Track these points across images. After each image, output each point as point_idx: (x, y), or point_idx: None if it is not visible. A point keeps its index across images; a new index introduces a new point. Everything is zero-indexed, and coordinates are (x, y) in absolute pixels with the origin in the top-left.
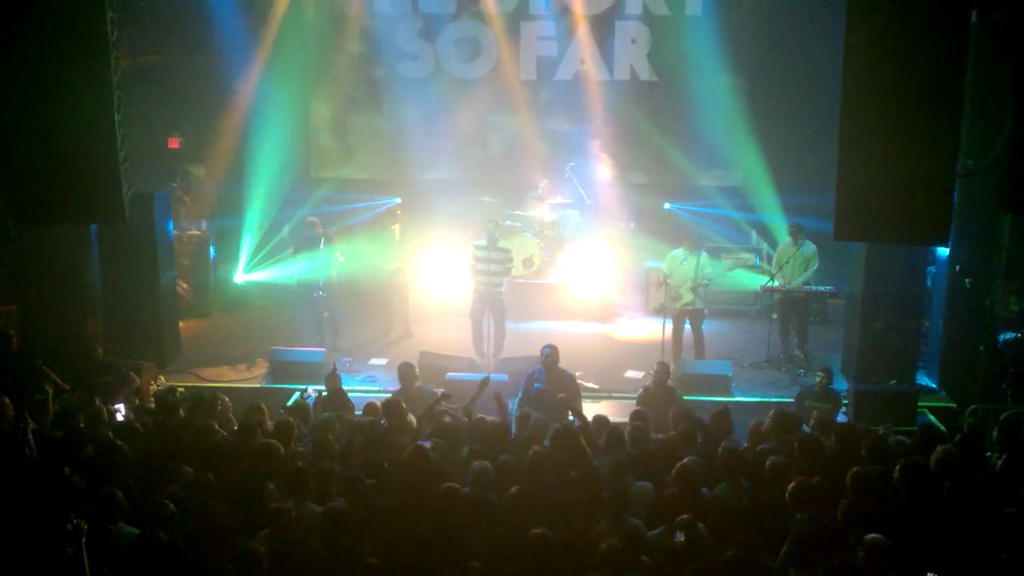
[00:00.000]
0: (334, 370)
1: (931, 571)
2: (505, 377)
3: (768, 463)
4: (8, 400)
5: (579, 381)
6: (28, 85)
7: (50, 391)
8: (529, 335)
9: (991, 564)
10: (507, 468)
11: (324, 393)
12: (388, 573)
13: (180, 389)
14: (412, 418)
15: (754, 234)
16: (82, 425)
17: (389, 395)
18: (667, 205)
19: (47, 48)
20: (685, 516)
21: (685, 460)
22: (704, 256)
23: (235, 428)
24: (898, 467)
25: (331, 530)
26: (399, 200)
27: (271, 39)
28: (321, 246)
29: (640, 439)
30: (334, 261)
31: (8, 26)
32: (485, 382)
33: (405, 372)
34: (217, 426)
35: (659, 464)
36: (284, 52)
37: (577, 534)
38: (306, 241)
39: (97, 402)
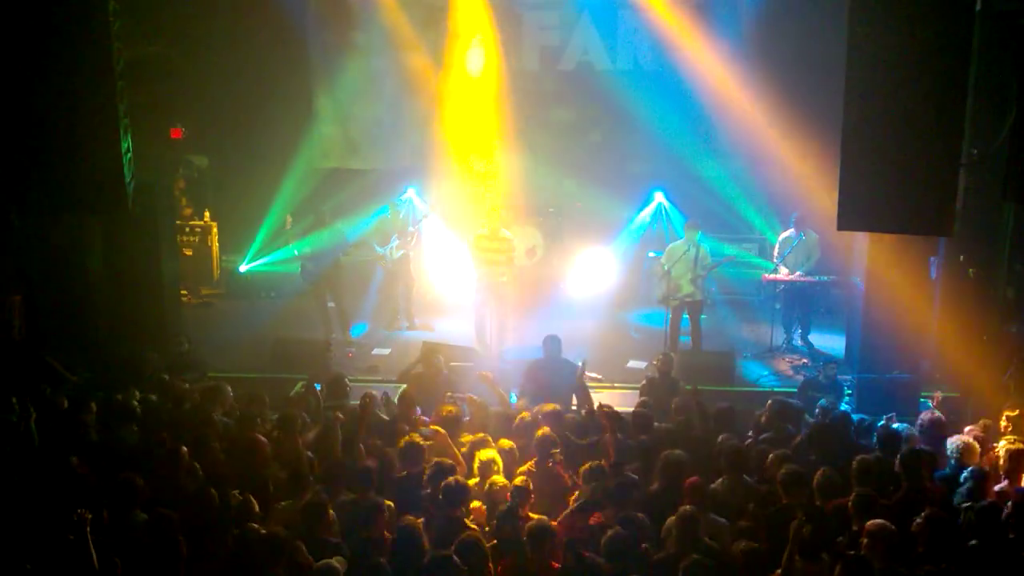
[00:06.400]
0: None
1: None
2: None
3: (771, 456)
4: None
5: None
6: (31, 75)
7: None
8: (532, 325)
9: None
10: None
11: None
12: None
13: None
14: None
15: (756, 223)
16: (90, 415)
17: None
18: (659, 195)
19: (50, 38)
20: (687, 507)
21: (672, 451)
22: (704, 247)
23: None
24: (900, 456)
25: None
26: (409, 190)
27: (273, 29)
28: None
29: (645, 427)
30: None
31: (11, 16)
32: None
33: (428, 353)
34: (223, 416)
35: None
36: (286, 42)
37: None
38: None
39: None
